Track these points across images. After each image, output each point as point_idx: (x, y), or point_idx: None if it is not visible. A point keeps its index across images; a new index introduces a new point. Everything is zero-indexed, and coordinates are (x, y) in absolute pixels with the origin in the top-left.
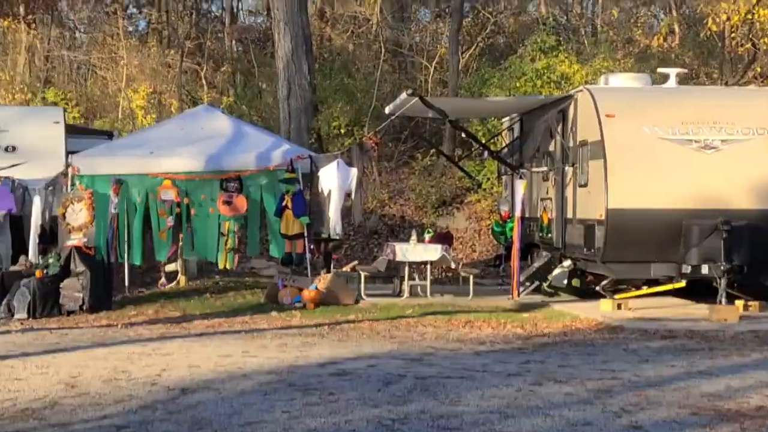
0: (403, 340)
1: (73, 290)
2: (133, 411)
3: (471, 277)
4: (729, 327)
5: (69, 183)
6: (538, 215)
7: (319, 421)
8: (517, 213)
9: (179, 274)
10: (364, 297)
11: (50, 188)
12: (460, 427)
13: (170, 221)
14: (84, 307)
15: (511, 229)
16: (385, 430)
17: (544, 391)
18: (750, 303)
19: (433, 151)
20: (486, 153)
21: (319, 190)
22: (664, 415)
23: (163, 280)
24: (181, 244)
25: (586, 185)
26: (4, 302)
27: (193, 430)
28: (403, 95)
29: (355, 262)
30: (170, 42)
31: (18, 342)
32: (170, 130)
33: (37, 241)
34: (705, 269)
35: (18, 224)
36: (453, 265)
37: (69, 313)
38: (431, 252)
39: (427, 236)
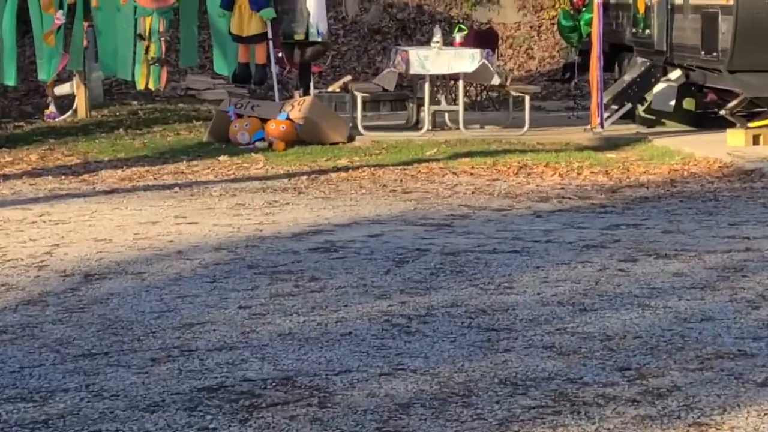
0: (422, 197)
1: None
2: (12, 309)
3: (527, 99)
4: None
5: None
6: (630, 1)
7: (296, 320)
8: None
9: (76, 100)
10: (362, 131)
11: None
12: (511, 326)
13: (59, 17)
14: None
15: (588, 23)
16: (397, 332)
17: (640, 270)
18: None
19: None
20: None
21: None
22: None
23: (51, 108)
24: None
25: None
26: None
27: (105, 338)
28: None
29: (348, 77)
30: None
31: None
32: None
33: None
34: None
35: None
36: (498, 81)
37: None
38: (465, 60)
39: (457, 36)
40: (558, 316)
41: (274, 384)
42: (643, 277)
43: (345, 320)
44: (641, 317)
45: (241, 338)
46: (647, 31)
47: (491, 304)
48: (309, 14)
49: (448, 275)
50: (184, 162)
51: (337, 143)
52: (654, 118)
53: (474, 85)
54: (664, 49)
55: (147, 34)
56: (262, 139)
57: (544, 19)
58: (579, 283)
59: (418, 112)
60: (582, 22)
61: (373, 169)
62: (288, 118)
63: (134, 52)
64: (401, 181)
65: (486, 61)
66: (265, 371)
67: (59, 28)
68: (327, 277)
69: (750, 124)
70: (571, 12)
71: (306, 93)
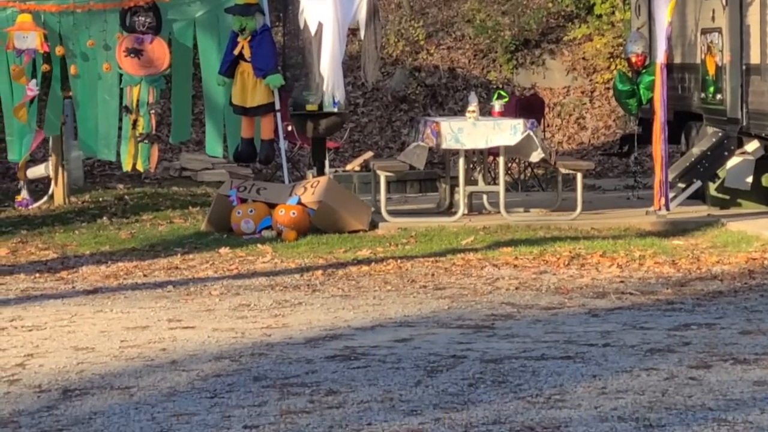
0: (458, 294)
1: None
2: None
3: (579, 177)
4: None
5: None
6: (698, 61)
7: None
8: (660, 57)
9: (52, 184)
10: (386, 217)
11: None
12: None
13: (32, 88)
14: None
15: (648, 87)
16: None
17: (714, 378)
18: None
19: None
20: None
21: (301, 26)
22: None
23: (23, 194)
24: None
25: None
26: None
27: None
28: None
29: (369, 153)
30: None
31: None
32: None
33: None
34: None
35: None
36: (540, 156)
37: None
38: (505, 132)
39: (497, 104)
40: None
41: None
42: (718, 386)
43: None
44: None
45: None
46: (719, 96)
47: (540, 421)
48: (323, 80)
49: (489, 386)
50: (179, 255)
51: (357, 231)
52: (728, 197)
53: (517, 161)
54: (739, 116)
55: (134, 106)
56: (269, 228)
57: (597, 83)
58: (643, 394)
59: (452, 193)
60: (641, 86)
61: (399, 261)
62: (299, 203)
63: (119, 128)
64: (433, 275)
65: (530, 133)
66: None
67: (32, 100)
68: (347, 390)
69: None
70: (629, 74)
71: (320, 173)
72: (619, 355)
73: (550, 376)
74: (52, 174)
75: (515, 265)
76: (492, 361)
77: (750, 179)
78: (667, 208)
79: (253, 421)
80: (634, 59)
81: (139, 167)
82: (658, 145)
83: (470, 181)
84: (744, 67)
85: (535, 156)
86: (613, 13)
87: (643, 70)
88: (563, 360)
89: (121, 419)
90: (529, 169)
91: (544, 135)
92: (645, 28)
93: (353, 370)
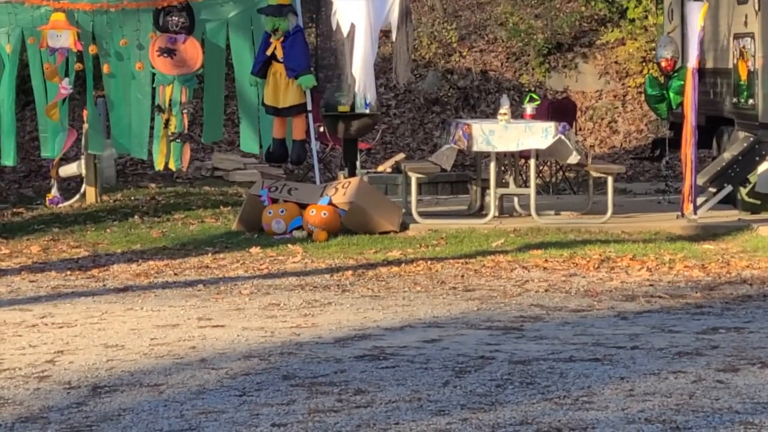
0: (487, 295)
1: None
2: (8, 427)
3: (610, 180)
4: None
5: None
6: (730, 65)
7: None
8: (691, 62)
9: (84, 183)
10: (416, 218)
11: None
12: None
13: (65, 86)
14: None
15: (678, 92)
16: None
17: (742, 381)
18: None
19: None
20: None
21: (334, 27)
22: None
23: (55, 192)
24: (85, 127)
25: None
26: None
27: None
28: None
29: (401, 155)
30: None
31: None
32: None
33: None
34: None
35: None
36: (577, 159)
37: None
38: (537, 135)
39: (528, 107)
40: None
41: None
42: (745, 390)
43: None
44: None
45: None
46: (750, 101)
47: (567, 422)
48: (355, 82)
49: (517, 387)
50: (210, 254)
51: (387, 232)
52: (759, 202)
53: (548, 164)
54: None
55: (167, 105)
56: (300, 228)
57: (630, 87)
58: (670, 396)
59: (483, 195)
60: (671, 91)
61: (429, 262)
62: (330, 204)
63: (152, 127)
64: (463, 276)
65: (562, 136)
66: None
67: (64, 99)
68: (375, 390)
69: None
70: (660, 79)
71: (352, 174)
72: (647, 357)
73: (578, 378)
74: (84, 172)
75: (545, 268)
76: (520, 362)
77: None
78: (696, 212)
79: (282, 420)
80: (663, 64)
81: (171, 166)
82: (688, 150)
83: (501, 183)
84: None
85: (572, 159)
86: (646, 17)
87: (673, 75)
88: (591, 362)
89: (150, 416)
90: (561, 172)
91: (579, 138)
92: (677, 32)
93: (382, 370)
